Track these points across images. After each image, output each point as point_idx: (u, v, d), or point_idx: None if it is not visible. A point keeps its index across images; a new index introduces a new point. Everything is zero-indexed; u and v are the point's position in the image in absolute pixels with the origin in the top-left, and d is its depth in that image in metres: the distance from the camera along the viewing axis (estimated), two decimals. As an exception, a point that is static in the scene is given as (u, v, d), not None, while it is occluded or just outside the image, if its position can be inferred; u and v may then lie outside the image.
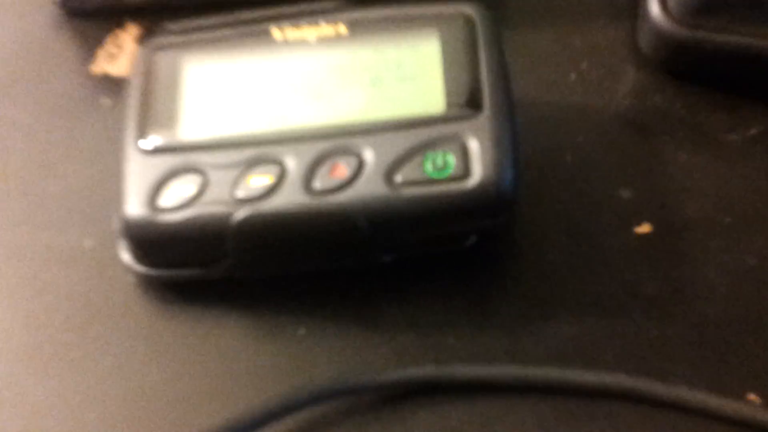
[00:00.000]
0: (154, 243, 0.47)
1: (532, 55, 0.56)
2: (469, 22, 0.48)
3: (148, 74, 0.48)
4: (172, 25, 0.50)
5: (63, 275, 0.50)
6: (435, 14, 0.49)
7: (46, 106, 0.56)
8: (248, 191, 0.46)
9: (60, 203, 0.52)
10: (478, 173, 0.45)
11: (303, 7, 0.50)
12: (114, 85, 0.56)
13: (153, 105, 0.48)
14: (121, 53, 0.57)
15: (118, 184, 0.46)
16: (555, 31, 0.57)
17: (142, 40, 0.51)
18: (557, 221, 0.50)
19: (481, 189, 0.45)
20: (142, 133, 0.47)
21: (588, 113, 0.53)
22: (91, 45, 0.58)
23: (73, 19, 0.60)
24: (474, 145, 0.45)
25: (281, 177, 0.46)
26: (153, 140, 0.47)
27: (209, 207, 0.46)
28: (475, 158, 0.45)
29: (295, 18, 0.49)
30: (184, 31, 0.50)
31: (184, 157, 0.46)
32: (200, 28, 0.50)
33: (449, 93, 0.47)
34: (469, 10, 0.49)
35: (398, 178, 0.45)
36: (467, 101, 0.46)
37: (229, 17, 0.50)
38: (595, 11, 0.58)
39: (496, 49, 0.48)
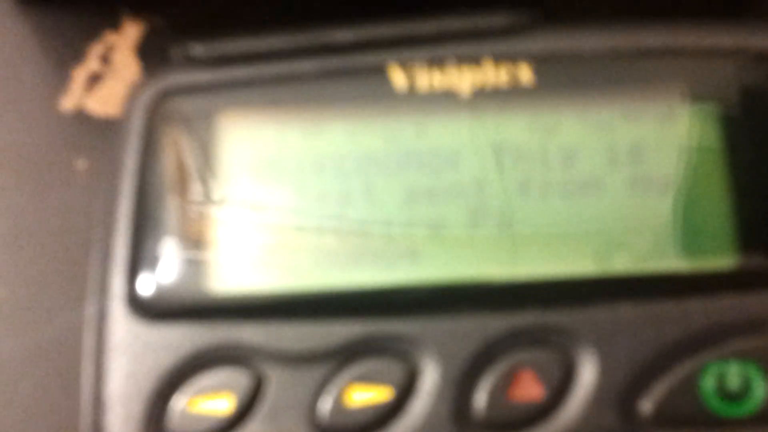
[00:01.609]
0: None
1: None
2: None
3: (151, 148, 0.28)
4: (200, 48, 0.29)
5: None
6: (705, 50, 0.27)
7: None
8: (343, 418, 0.25)
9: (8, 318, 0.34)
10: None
11: (448, 24, 0.28)
12: (95, 133, 0.36)
13: (160, 214, 0.27)
14: (110, 75, 0.37)
15: (83, 369, 0.27)
16: None
17: (144, 74, 0.32)
18: None
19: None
20: (136, 272, 0.27)
21: None
22: (63, 58, 0.37)
23: (34, 11, 0.38)
24: (801, 348, 0.25)
25: (409, 390, 0.25)
26: (157, 291, 0.27)
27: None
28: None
29: (433, 47, 0.27)
30: (224, 61, 0.29)
31: (215, 330, 0.26)
32: (253, 57, 0.29)
33: (744, 224, 0.26)
34: None
35: (645, 408, 0.25)
36: None
37: (307, 38, 0.28)
38: None
39: None
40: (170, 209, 0.27)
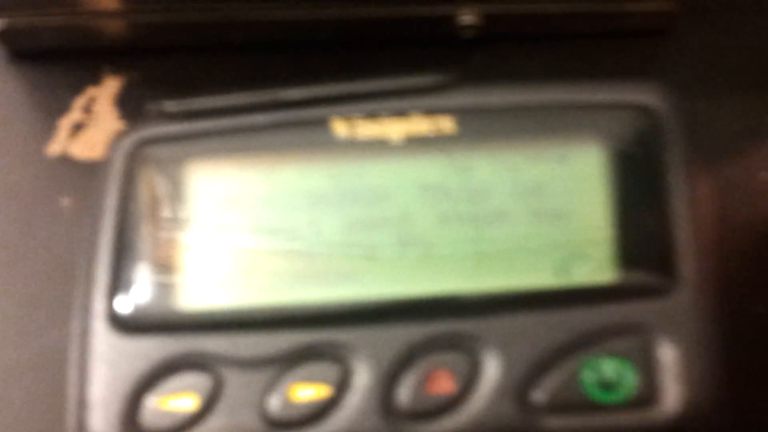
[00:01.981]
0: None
1: (709, 139, 0.37)
2: (652, 120, 0.30)
3: (129, 188, 0.31)
4: (172, 104, 0.32)
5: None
6: (594, 103, 0.30)
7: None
8: (289, 411, 0.28)
9: None
10: (675, 396, 0.28)
11: (382, 83, 0.31)
12: (79, 174, 0.38)
13: (135, 244, 0.30)
14: (92, 124, 0.39)
15: (69, 376, 0.30)
16: (738, 105, 0.38)
17: (125, 125, 0.35)
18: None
19: (683, 423, 0.28)
20: (115, 293, 0.30)
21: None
22: (50, 107, 0.39)
23: (24, 65, 0.40)
24: (667, 346, 0.28)
25: (343, 387, 0.29)
26: (133, 309, 0.30)
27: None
28: (668, 369, 0.28)
29: (369, 102, 0.31)
30: (192, 115, 0.32)
31: (183, 341, 0.29)
32: (217, 112, 0.31)
33: (622, 246, 0.29)
34: (651, 98, 0.30)
35: (538, 398, 0.28)
36: (654, 263, 0.29)
37: (263, 96, 0.31)
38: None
39: (690, 164, 0.30)
40: (144, 239, 0.30)
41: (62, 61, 0.40)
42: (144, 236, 0.30)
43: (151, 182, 0.30)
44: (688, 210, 0.29)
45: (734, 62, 0.38)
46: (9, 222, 0.38)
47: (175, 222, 0.30)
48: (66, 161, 0.38)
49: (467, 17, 0.39)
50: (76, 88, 0.39)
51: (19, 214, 0.38)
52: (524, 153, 0.30)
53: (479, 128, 0.30)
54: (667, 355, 0.28)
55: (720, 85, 0.38)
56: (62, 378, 0.31)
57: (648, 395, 0.28)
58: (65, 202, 0.38)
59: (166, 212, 0.30)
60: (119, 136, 0.32)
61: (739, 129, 0.37)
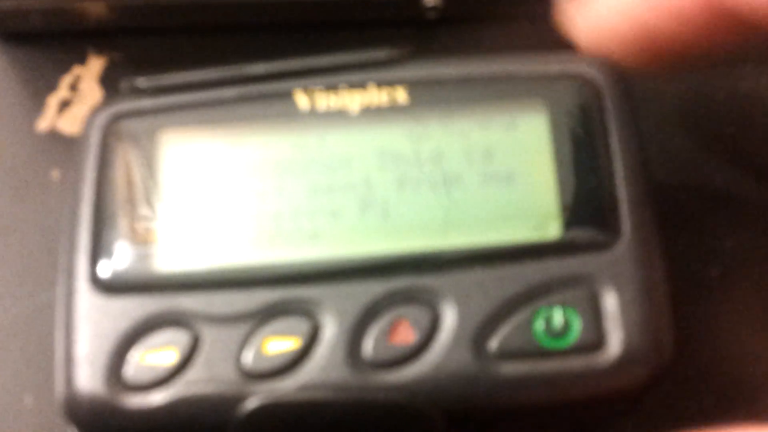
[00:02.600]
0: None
1: (656, 117, 0.38)
2: (592, 90, 0.30)
3: (105, 159, 0.30)
4: (144, 81, 0.31)
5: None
6: (539, 75, 0.31)
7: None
8: (262, 363, 0.28)
9: None
10: (617, 341, 0.28)
11: (340, 58, 0.31)
12: (67, 149, 0.38)
13: (113, 211, 0.30)
14: (78, 101, 0.39)
15: (56, 335, 0.29)
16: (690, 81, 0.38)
17: (98, 104, 0.32)
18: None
19: (625, 366, 0.28)
20: (96, 257, 0.29)
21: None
22: (38, 86, 0.39)
23: (12, 47, 0.40)
24: (610, 295, 0.28)
25: (313, 339, 0.28)
26: (113, 271, 0.29)
27: (201, 386, 0.28)
28: (612, 316, 0.28)
29: (329, 75, 0.31)
30: (163, 91, 0.31)
31: (161, 300, 0.29)
32: (186, 87, 0.31)
33: (567, 205, 0.29)
34: (591, 70, 0.30)
35: (492, 346, 0.28)
36: (597, 220, 0.29)
37: (229, 71, 0.31)
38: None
39: (634, 130, 0.30)
40: (121, 207, 0.29)
41: (49, 43, 0.39)
42: (121, 204, 0.30)
43: (125, 153, 0.30)
44: (626, 170, 0.29)
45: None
46: (2, 194, 0.37)
47: (149, 190, 0.30)
48: (54, 136, 0.38)
49: (430, -1, 0.39)
50: (63, 68, 0.39)
51: (11, 186, 0.38)
52: (474, 120, 0.30)
53: (431, 98, 0.30)
54: (610, 303, 0.28)
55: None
56: (49, 338, 0.30)
57: (592, 341, 0.28)
58: (55, 174, 0.38)
59: (140, 181, 0.30)
60: (94, 111, 0.31)
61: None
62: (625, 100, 0.30)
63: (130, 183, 0.30)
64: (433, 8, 0.39)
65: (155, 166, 0.30)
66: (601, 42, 0.31)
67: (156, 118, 0.30)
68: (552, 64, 0.30)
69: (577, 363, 0.28)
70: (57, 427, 0.33)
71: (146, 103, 0.31)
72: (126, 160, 0.30)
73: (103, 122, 0.31)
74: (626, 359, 0.28)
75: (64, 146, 0.38)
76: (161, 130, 0.30)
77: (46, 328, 0.33)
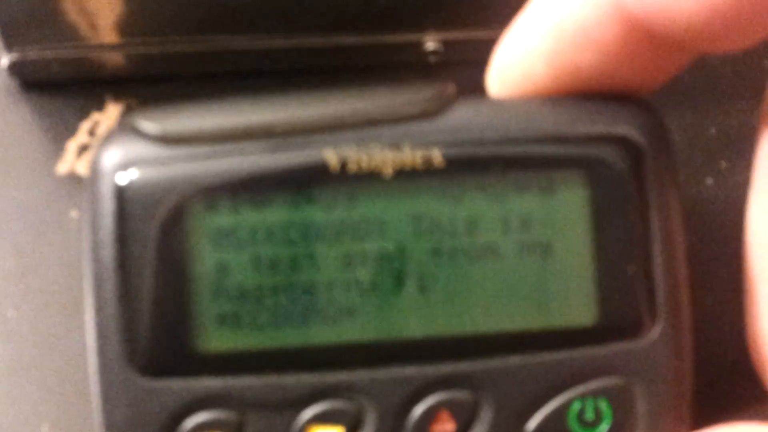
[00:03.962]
0: None
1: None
2: (635, 156, 0.26)
3: (125, 221, 0.25)
4: (154, 125, 0.25)
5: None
6: (580, 135, 0.26)
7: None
8: None
9: (7, 369, 0.32)
10: (643, 429, 0.26)
11: (374, 110, 0.26)
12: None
13: (144, 285, 0.25)
14: (95, 145, 0.34)
15: (94, 417, 0.26)
16: (685, 116, 0.35)
17: (98, 147, 0.26)
18: None
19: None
20: (131, 337, 0.25)
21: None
22: (58, 132, 0.35)
23: (32, 94, 0.36)
24: (642, 386, 0.26)
25: (356, 425, 0.25)
26: (151, 352, 0.25)
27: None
28: (642, 407, 0.26)
29: (360, 131, 0.26)
30: (180, 141, 0.26)
31: (204, 383, 0.25)
32: (205, 139, 0.25)
33: (603, 286, 0.26)
34: (635, 131, 0.26)
35: (529, 432, 0.25)
36: (633, 304, 0.26)
37: (251, 120, 0.26)
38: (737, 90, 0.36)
39: (676, 202, 0.26)
40: (152, 281, 0.25)
41: (69, 90, 0.36)
42: (148, 277, 0.25)
43: (147, 216, 0.25)
44: (666, 248, 0.26)
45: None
46: (25, 233, 0.34)
47: (181, 263, 0.25)
48: (74, 179, 0.35)
49: (431, 44, 0.36)
50: (82, 114, 0.35)
51: (33, 226, 0.34)
52: (511, 185, 0.26)
53: (467, 160, 0.26)
54: (641, 394, 0.26)
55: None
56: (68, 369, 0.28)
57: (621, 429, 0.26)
58: (74, 214, 0.34)
59: (169, 252, 0.25)
60: (98, 160, 0.25)
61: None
62: (669, 167, 0.26)
63: (159, 253, 0.25)
64: (434, 52, 0.36)
65: (183, 235, 0.25)
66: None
67: (177, 178, 0.25)
68: (595, 123, 0.26)
69: None
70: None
71: (162, 153, 0.25)
72: (149, 225, 0.25)
73: (115, 169, 0.25)
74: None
75: (83, 187, 0.34)
76: (185, 191, 0.25)
77: (63, 360, 0.31)
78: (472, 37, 0.36)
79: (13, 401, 0.31)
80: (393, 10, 0.35)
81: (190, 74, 0.36)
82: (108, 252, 0.25)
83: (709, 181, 0.35)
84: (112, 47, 0.34)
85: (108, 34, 0.34)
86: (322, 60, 0.36)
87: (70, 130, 0.35)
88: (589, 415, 0.25)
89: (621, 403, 0.25)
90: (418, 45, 0.36)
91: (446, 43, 0.36)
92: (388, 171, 0.25)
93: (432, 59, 0.36)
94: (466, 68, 0.34)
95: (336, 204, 0.25)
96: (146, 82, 0.35)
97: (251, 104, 0.26)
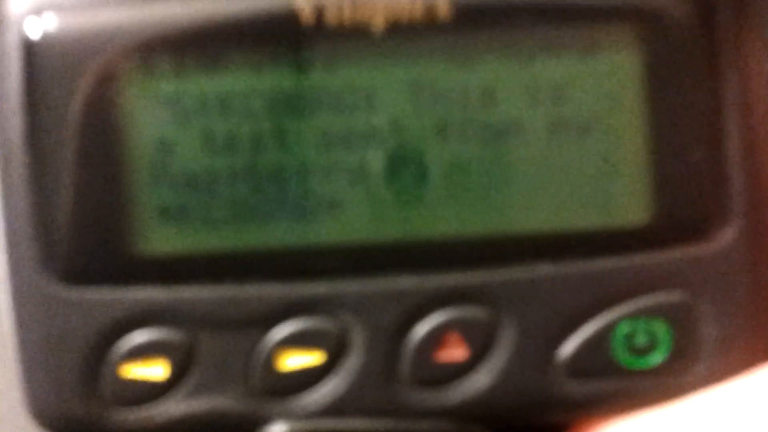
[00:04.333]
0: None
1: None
2: (701, 17, 0.19)
3: (35, 85, 0.19)
4: None
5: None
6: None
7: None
8: (278, 382, 0.19)
9: None
10: (707, 363, 0.20)
11: None
12: None
13: (64, 170, 0.19)
14: None
15: (9, 332, 0.20)
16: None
17: None
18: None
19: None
20: (49, 236, 0.19)
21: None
22: None
23: None
24: (707, 305, 0.19)
25: (340, 352, 0.19)
26: (74, 254, 0.19)
27: (201, 402, 0.19)
28: (706, 330, 0.19)
29: None
30: None
31: (141, 293, 0.19)
32: None
33: (660, 176, 0.19)
34: None
35: (560, 363, 0.20)
36: (699, 199, 0.20)
37: None
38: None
39: (760, 62, 0.20)
40: (75, 165, 0.19)
41: None
42: (73, 160, 0.19)
43: (64, 81, 0.19)
44: (743, 130, 0.19)
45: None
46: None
47: (109, 138, 0.19)
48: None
49: None
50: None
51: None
52: (540, 45, 0.19)
53: (482, 12, 0.19)
54: (709, 314, 0.20)
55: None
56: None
57: (684, 362, 0.20)
58: None
59: (92, 125, 0.19)
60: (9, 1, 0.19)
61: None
62: (750, 16, 0.20)
63: (83, 128, 0.19)
64: None
65: (114, 104, 0.19)
66: None
67: (103, 28, 0.19)
68: None
69: (661, 383, 0.20)
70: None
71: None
72: (69, 90, 0.19)
73: (23, 15, 0.19)
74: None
75: None
76: (115, 48, 0.19)
77: None
78: None
79: None
80: None
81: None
82: (16, 124, 0.19)
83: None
84: None
85: None
86: None
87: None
88: (641, 340, 0.20)
89: (682, 324, 0.19)
90: None
91: None
92: (379, 24, 0.19)
93: None
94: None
95: (310, 66, 0.19)
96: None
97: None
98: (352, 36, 0.19)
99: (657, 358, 0.20)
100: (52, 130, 0.19)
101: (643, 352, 0.20)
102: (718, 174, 0.20)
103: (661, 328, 0.20)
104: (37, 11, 0.19)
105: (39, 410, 0.20)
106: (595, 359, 0.19)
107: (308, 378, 0.19)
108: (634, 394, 0.20)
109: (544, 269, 0.19)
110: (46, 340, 0.19)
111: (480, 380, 0.19)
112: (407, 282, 0.19)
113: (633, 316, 0.20)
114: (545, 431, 0.21)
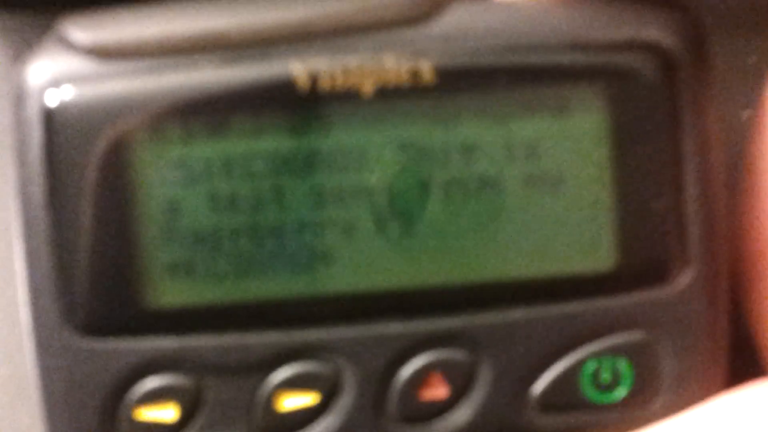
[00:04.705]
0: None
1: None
2: (666, 67, 0.20)
3: (55, 151, 0.20)
4: (78, 33, 0.20)
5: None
6: (600, 43, 0.20)
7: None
8: (278, 423, 0.20)
9: None
10: (666, 396, 0.21)
11: (348, 17, 0.20)
12: None
13: (82, 229, 0.20)
14: None
15: (32, 379, 0.21)
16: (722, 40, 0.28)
17: (25, 66, 0.21)
18: None
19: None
20: (68, 291, 0.20)
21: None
22: (21, 47, 0.30)
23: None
24: (666, 344, 0.21)
25: (333, 392, 0.21)
26: (92, 308, 0.20)
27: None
28: (666, 367, 0.21)
29: (333, 41, 0.20)
30: (119, 55, 0.20)
31: (153, 343, 0.20)
32: (150, 53, 0.20)
33: (624, 225, 0.20)
34: (664, 36, 0.20)
35: (534, 399, 0.21)
36: (659, 246, 0.21)
37: (204, 26, 0.20)
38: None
39: (714, 125, 0.21)
40: (91, 224, 0.20)
41: (30, 8, 0.30)
42: (90, 219, 0.20)
43: (82, 147, 0.20)
44: (701, 181, 0.20)
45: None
46: None
47: (121, 199, 0.20)
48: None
49: None
50: (42, 30, 0.29)
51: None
52: (516, 105, 0.20)
53: (462, 75, 0.20)
54: (668, 352, 0.21)
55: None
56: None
57: (644, 396, 0.21)
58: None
59: (106, 188, 0.20)
60: (25, 63, 0.20)
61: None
62: (707, 81, 0.20)
63: (98, 190, 0.20)
64: None
65: (126, 168, 0.20)
66: None
67: (116, 100, 0.20)
68: (618, 27, 0.20)
69: (624, 417, 0.21)
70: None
71: (98, 68, 0.20)
72: (85, 155, 0.20)
73: (43, 87, 0.20)
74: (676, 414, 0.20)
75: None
76: (127, 118, 0.20)
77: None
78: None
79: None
80: None
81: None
82: (37, 188, 0.20)
83: (744, 115, 0.28)
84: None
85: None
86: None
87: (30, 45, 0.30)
88: (606, 377, 0.21)
89: (643, 362, 0.21)
90: None
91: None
92: (368, 88, 0.20)
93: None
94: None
95: (306, 129, 0.20)
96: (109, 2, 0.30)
97: (202, 9, 0.20)
98: (344, 100, 0.20)
99: (621, 392, 0.21)
100: (70, 193, 0.20)
101: (607, 387, 0.21)
102: (677, 223, 0.20)
103: (623, 366, 0.21)
104: (56, 83, 0.20)
105: None
106: (565, 395, 0.21)
107: (305, 417, 0.20)
108: (600, 426, 0.21)
109: (518, 313, 0.20)
110: (67, 387, 0.20)
111: (460, 416, 0.21)
112: (394, 328, 0.20)
113: (598, 355, 0.21)
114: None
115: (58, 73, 0.20)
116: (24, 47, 0.29)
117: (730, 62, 0.28)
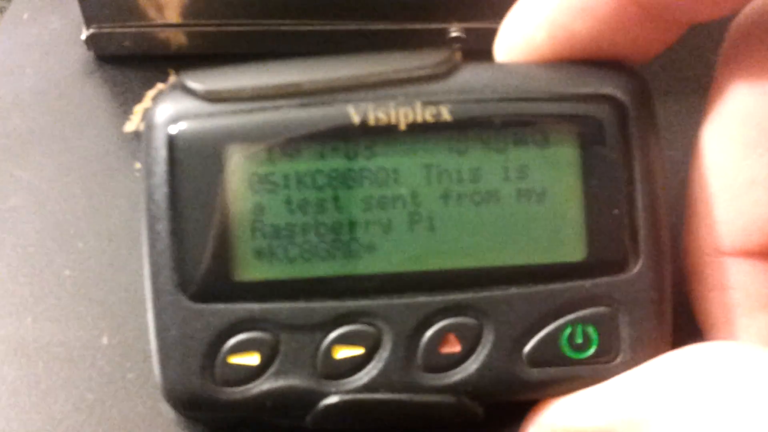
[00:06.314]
0: (205, 418, 0.26)
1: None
2: (620, 113, 0.24)
3: (176, 166, 0.24)
4: (193, 83, 0.24)
5: (74, 376, 0.28)
6: (572, 95, 0.24)
7: (67, 170, 0.32)
8: (334, 367, 0.24)
9: (74, 289, 0.29)
10: (627, 355, 0.24)
11: (390, 73, 0.24)
12: None
13: (192, 223, 0.24)
14: None
15: (150, 334, 0.24)
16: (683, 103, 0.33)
17: (153, 104, 0.25)
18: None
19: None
20: (181, 267, 0.24)
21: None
22: (127, 98, 0.34)
23: (107, 65, 0.35)
24: (625, 315, 0.24)
25: (375, 347, 0.24)
26: (194, 282, 0.24)
27: (281, 384, 0.24)
28: (625, 333, 0.24)
29: (379, 89, 0.24)
30: (221, 99, 0.24)
31: (242, 308, 0.24)
32: (245, 98, 0.24)
33: (593, 229, 0.24)
34: (617, 90, 0.24)
35: (525, 355, 0.24)
36: (618, 243, 0.24)
37: (284, 79, 0.24)
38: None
39: (657, 154, 0.24)
40: (200, 219, 0.23)
41: (138, 63, 0.34)
42: (195, 215, 0.23)
43: (195, 162, 0.23)
44: (647, 195, 0.24)
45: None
46: (96, 181, 0.32)
47: (221, 202, 0.23)
48: (138, 136, 0.33)
49: (455, 31, 0.34)
50: (148, 84, 0.34)
51: (104, 174, 0.33)
52: (510, 138, 0.24)
53: (472, 115, 0.24)
54: (625, 322, 0.24)
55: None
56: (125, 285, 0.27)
57: (607, 354, 0.24)
58: (137, 165, 0.33)
59: (213, 194, 0.23)
60: (157, 113, 0.24)
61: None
62: (651, 123, 0.24)
63: (204, 195, 0.23)
64: (457, 38, 0.34)
65: (225, 179, 0.23)
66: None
67: (220, 130, 0.23)
68: (585, 84, 0.24)
69: (593, 369, 0.24)
70: (131, 368, 0.28)
71: (207, 108, 0.24)
72: (196, 170, 0.23)
73: (167, 122, 0.24)
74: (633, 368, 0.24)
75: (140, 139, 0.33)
76: (229, 140, 0.23)
77: (123, 286, 0.29)
78: (493, 27, 0.35)
79: (78, 316, 0.29)
80: (421, 1, 0.33)
81: (242, 53, 0.34)
82: (161, 194, 0.24)
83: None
84: (176, 27, 0.33)
85: (173, 16, 0.33)
86: (356, 43, 0.34)
87: (137, 97, 0.34)
88: (579, 339, 0.24)
89: (607, 329, 0.24)
90: (443, 32, 0.34)
91: (468, 31, 0.34)
92: (402, 125, 0.24)
93: (455, 46, 0.34)
94: (486, 56, 0.32)
95: (357, 154, 0.24)
96: (204, 59, 0.34)
97: (284, 67, 0.24)
98: (385, 133, 0.23)
99: (590, 351, 0.24)
100: (185, 197, 0.23)
101: (580, 347, 0.24)
102: (630, 226, 0.24)
103: (592, 331, 0.24)
104: (176, 120, 0.24)
105: (170, 390, 0.24)
106: (549, 353, 0.24)
107: (353, 365, 0.24)
108: (575, 377, 0.24)
109: (514, 291, 0.24)
110: (178, 339, 0.23)
111: (470, 367, 0.24)
112: (421, 300, 0.24)
113: (573, 323, 0.24)
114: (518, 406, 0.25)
115: (179, 112, 0.24)
116: (129, 95, 0.34)
117: (669, 110, 0.32)
